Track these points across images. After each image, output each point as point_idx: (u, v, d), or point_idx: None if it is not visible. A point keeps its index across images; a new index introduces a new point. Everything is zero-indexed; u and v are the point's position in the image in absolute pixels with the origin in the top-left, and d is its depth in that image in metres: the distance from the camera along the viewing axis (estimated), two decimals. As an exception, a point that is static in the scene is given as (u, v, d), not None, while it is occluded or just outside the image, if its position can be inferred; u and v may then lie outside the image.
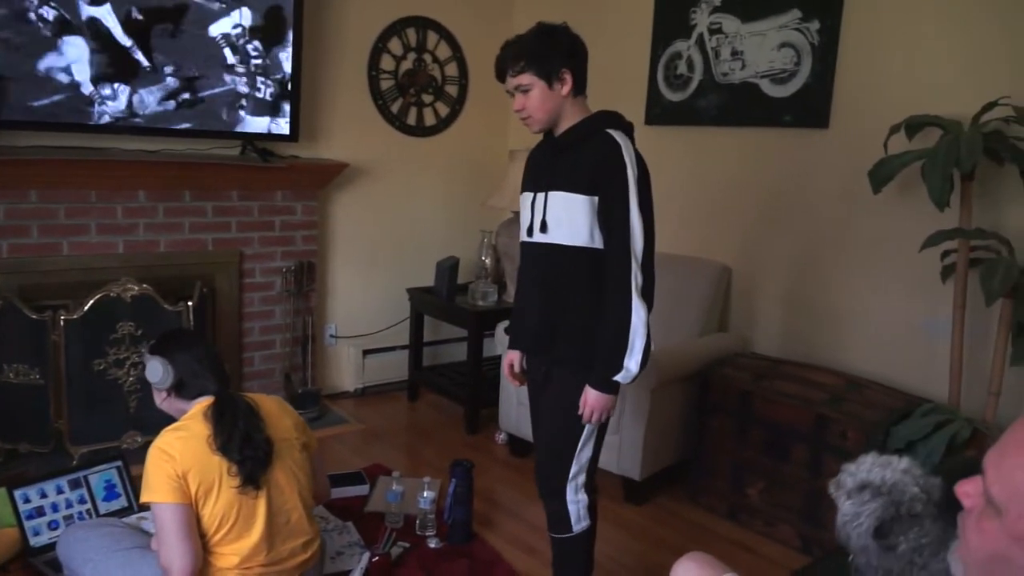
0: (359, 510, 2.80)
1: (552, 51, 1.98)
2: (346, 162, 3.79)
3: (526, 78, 1.99)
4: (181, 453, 1.90)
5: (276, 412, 2.10)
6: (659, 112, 3.70)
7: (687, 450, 3.13)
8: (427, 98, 4.21)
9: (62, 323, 2.98)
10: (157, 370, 2.03)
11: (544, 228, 2.03)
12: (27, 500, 2.48)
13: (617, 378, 1.96)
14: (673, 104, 3.64)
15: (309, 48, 3.62)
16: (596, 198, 1.93)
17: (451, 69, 4.28)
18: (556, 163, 2.03)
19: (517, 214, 3.27)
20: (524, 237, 2.13)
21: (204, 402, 2.01)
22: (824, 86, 3.09)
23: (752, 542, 2.83)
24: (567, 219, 1.98)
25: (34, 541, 2.44)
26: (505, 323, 3.17)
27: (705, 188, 3.55)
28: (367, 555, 2.44)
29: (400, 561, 2.49)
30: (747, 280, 3.43)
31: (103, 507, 2.60)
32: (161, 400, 2.09)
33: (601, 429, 2.11)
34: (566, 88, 1.99)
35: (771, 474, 2.80)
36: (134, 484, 2.67)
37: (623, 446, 2.94)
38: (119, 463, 2.69)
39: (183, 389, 2.06)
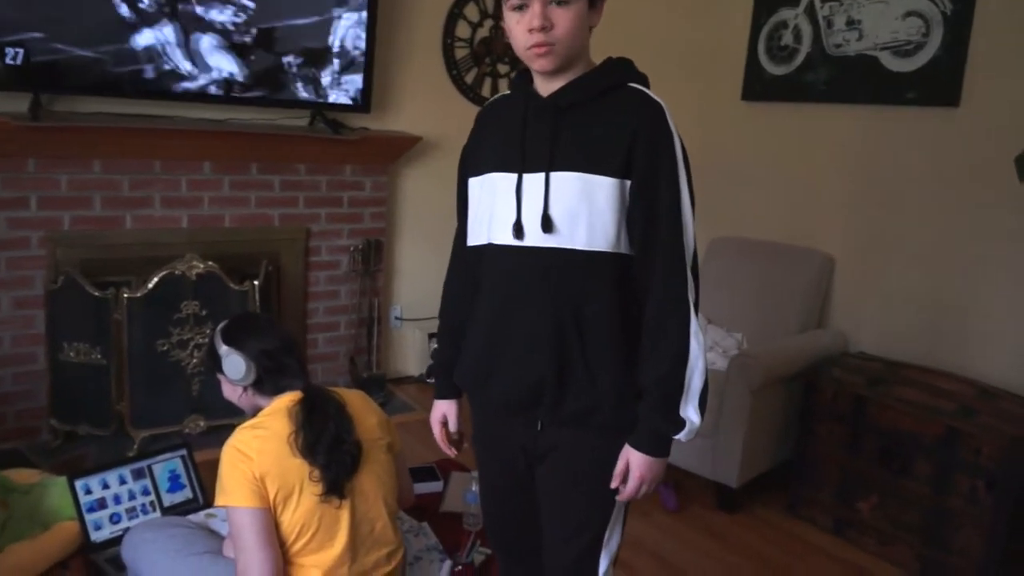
0: (434, 509, 2.61)
1: None
2: (419, 135, 3.57)
3: None
4: (259, 453, 1.71)
5: (362, 410, 1.90)
6: (760, 87, 3.41)
7: (784, 456, 2.88)
8: (503, 68, 3.97)
9: (125, 301, 2.83)
10: (238, 365, 1.82)
11: (549, 226, 1.40)
12: (88, 491, 2.33)
13: (679, 436, 1.42)
14: (776, 79, 3.35)
15: (383, 13, 3.39)
16: (628, 182, 1.37)
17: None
18: (557, 128, 1.41)
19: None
20: (499, 239, 1.47)
21: (288, 398, 1.81)
22: (956, 60, 2.77)
23: (863, 561, 2.57)
24: (587, 212, 1.38)
25: (95, 536, 2.29)
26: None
27: (810, 171, 3.26)
28: (448, 564, 2.25)
29: (484, 570, 2.29)
30: (853, 272, 3.14)
31: (167, 499, 2.44)
32: (237, 396, 1.89)
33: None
34: (597, 18, 1.41)
35: (888, 488, 2.54)
36: (199, 474, 2.52)
37: (719, 451, 2.70)
38: (183, 452, 2.53)
39: (263, 384, 1.86)
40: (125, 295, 2.84)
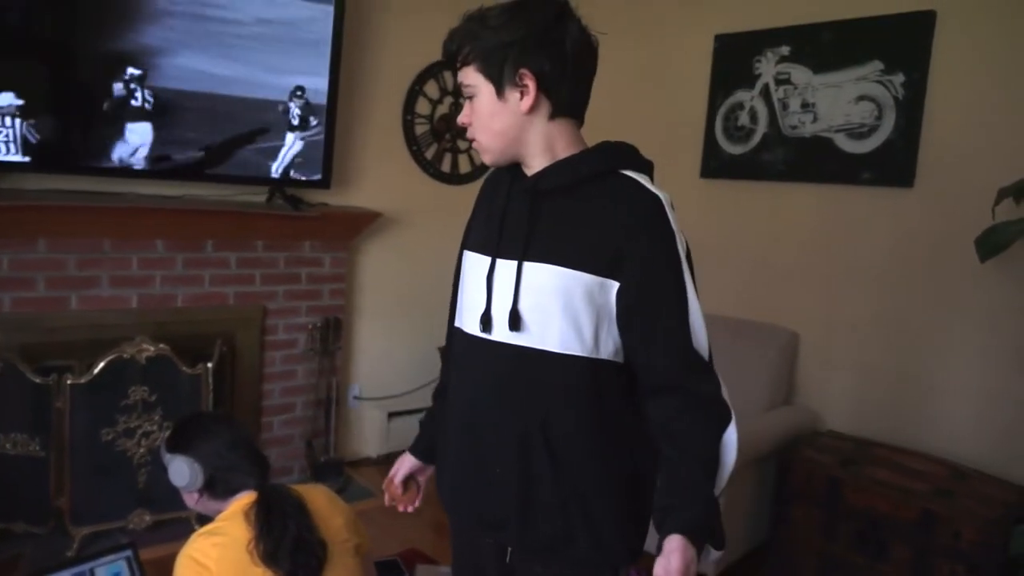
0: (399, 608, 2.47)
1: (507, 37, 1.23)
2: (379, 211, 3.52)
3: (470, 74, 1.27)
4: (217, 563, 1.58)
5: (326, 508, 1.78)
6: (717, 165, 3.46)
7: (758, 541, 2.82)
8: (462, 144, 3.97)
9: (68, 388, 2.67)
10: (183, 471, 1.71)
11: (516, 322, 1.26)
12: (24, 600, 2.15)
13: (714, 555, 1.33)
14: (733, 157, 3.40)
15: (343, 89, 3.36)
16: (613, 283, 1.23)
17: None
18: (536, 214, 1.28)
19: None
20: (468, 328, 1.36)
21: (243, 499, 1.70)
22: (909, 143, 2.85)
23: (843, 650, 2.51)
24: (561, 311, 1.24)
25: (30, 649, 2.10)
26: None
27: (770, 247, 3.29)
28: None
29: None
30: (817, 348, 3.15)
31: (111, 606, 2.26)
32: (194, 502, 1.78)
33: None
34: (526, 102, 1.24)
35: (867, 574, 2.48)
36: (146, 577, 2.34)
37: (695, 537, 2.62)
38: (129, 552, 2.35)
39: (216, 486, 1.74)
40: (68, 381, 2.68)
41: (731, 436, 1.26)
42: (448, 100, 3.88)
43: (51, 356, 2.79)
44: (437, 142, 3.88)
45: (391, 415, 3.75)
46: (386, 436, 3.73)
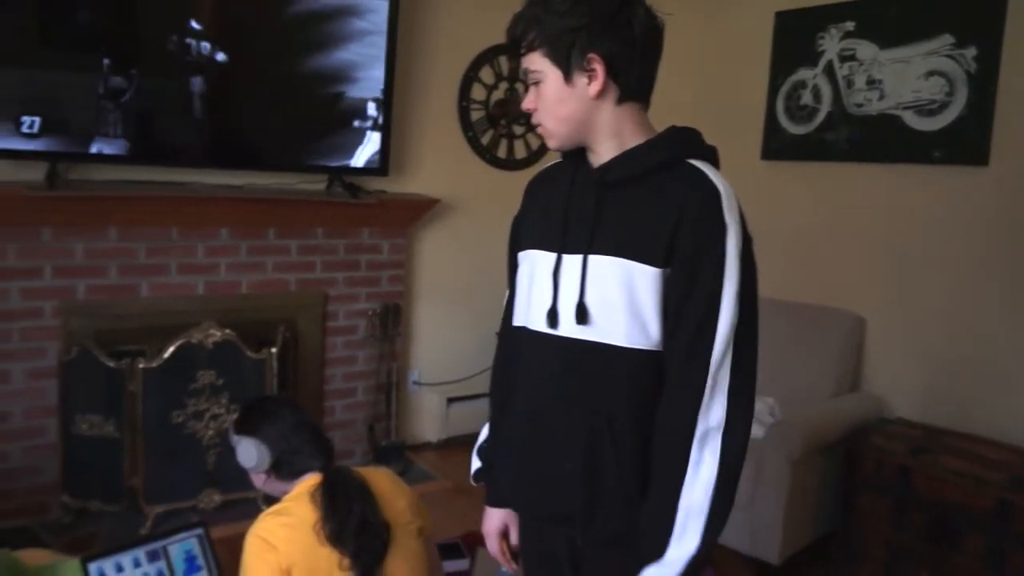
0: (460, 590, 2.50)
1: (574, 21, 1.21)
2: (437, 197, 3.54)
3: (535, 60, 1.25)
4: (285, 543, 1.62)
5: (390, 491, 1.81)
6: (778, 146, 3.38)
7: (825, 530, 2.76)
8: (518, 129, 3.96)
9: (140, 372, 2.76)
10: (250, 453, 1.75)
11: (583, 316, 1.25)
12: (102, 575, 2.23)
13: (648, 572, 1.21)
14: (795, 137, 3.32)
15: (399, 76, 3.38)
16: (668, 270, 1.21)
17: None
18: (601, 206, 1.27)
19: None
20: (534, 325, 1.34)
21: (309, 481, 1.73)
22: (983, 119, 2.74)
23: (912, 642, 2.45)
24: (626, 304, 1.22)
25: (109, 622, 2.18)
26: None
27: (833, 229, 3.21)
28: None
29: (515, 658, 2.17)
30: (884, 333, 3.06)
31: (183, 582, 2.33)
32: (261, 483, 1.82)
33: None
34: (594, 86, 1.23)
35: (938, 564, 2.42)
36: (216, 554, 2.41)
37: (758, 525, 2.59)
38: (200, 531, 2.42)
39: (282, 468, 1.78)
40: (140, 365, 2.76)
41: (704, 472, 1.19)
42: (503, 86, 3.87)
43: (123, 341, 2.89)
44: (493, 128, 3.88)
45: (450, 400, 3.77)
46: (445, 421, 3.76)
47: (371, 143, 3.29)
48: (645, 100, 1.31)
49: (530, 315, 1.36)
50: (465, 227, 3.81)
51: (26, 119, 2.63)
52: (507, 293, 1.50)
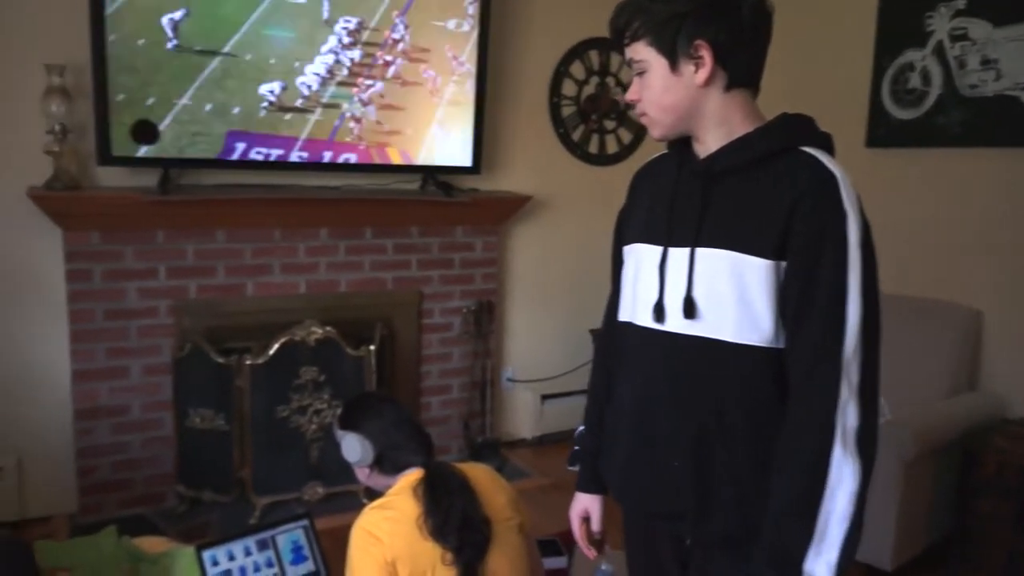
0: (559, 587, 2.49)
1: (680, 7, 1.18)
2: (528, 194, 3.54)
3: (640, 49, 1.23)
4: (390, 536, 1.65)
5: (489, 487, 1.82)
6: (885, 132, 3.22)
7: (939, 536, 2.63)
8: (609, 124, 3.92)
9: (247, 368, 2.87)
10: (354, 448, 1.79)
11: (691, 310, 1.22)
12: (215, 563, 2.32)
13: None
14: (903, 123, 3.16)
15: (490, 74, 3.40)
16: (783, 264, 1.17)
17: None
18: (708, 197, 1.24)
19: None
20: (640, 320, 1.32)
21: (411, 476, 1.76)
22: (1116, 96, 2.55)
23: (1039, 656, 2.30)
24: (736, 298, 1.19)
25: (222, 608, 2.27)
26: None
27: (946, 219, 3.04)
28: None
29: (616, 658, 2.15)
30: (1004, 328, 2.88)
31: (291, 571, 2.41)
32: (365, 477, 1.86)
33: None
34: (702, 74, 1.20)
35: (1068, 574, 2.27)
36: (321, 546, 2.48)
37: (869, 529, 2.46)
38: (306, 522, 2.50)
39: (384, 463, 1.81)
40: (247, 362, 2.87)
41: (838, 499, 1.12)
42: (594, 80, 3.84)
43: (231, 338, 3.01)
44: (584, 123, 3.85)
45: (544, 397, 3.78)
46: (540, 418, 3.77)
47: (464, 142, 3.32)
48: (754, 86, 1.27)
49: (636, 310, 1.34)
50: (557, 224, 3.80)
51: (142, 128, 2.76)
52: (611, 288, 1.49)
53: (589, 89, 3.84)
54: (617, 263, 1.47)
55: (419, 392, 3.43)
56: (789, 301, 1.17)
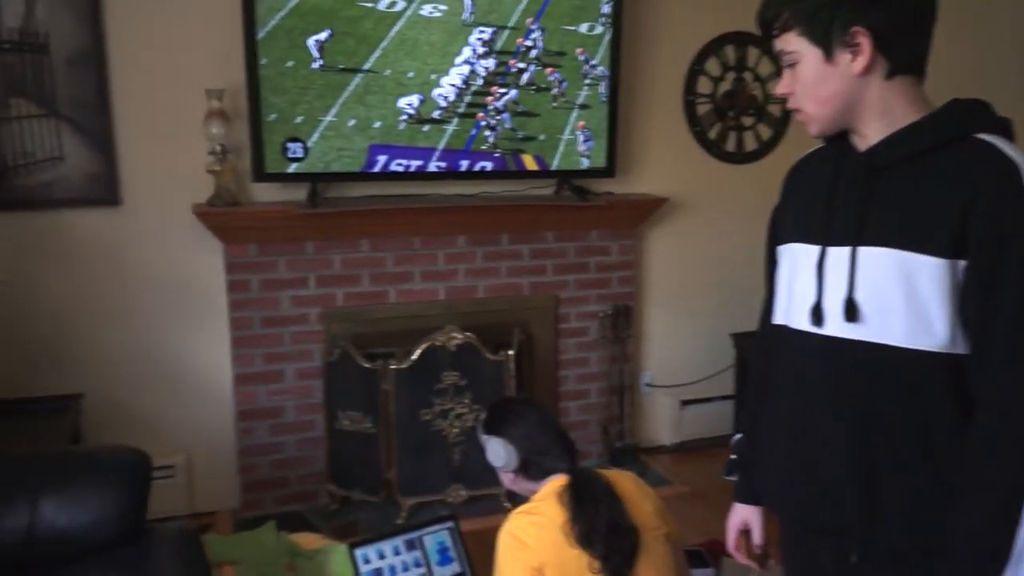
0: (705, 599, 2.42)
1: None
2: (665, 196, 3.48)
3: (791, 40, 1.17)
4: (536, 541, 1.65)
5: (636, 495, 1.79)
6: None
7: None
8: (747, 121, 3.79)
9: (392, 372, 2.96)
10: (499, 452, 1.81)
11: (853, 313, 1.15)
12: (367, 561, 2.41)
13: None
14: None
15: (624, 76, 3.36)
16: (961, 263, 1.08)
17: (774, 86, 3.81)
18: (870, 192, 1.16)
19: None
20: (796, 323, 1.26)
21: (556, 482, 1.76)
22: None
23: None
24: (905, 300, 1.11)
25: (374, 605, 2.35)
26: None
27: None
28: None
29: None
30: None
31: (437, 572, 2.46)
32: (509, 482, 1.88)
33: None
34: (860, 62, 1.12)
35: None
36: (467, 548, 2.52)
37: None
38: (451, 524, 2.56)
39: (529, 468, 1.82)
40: (392, 366, 2.97)
41: None
42: (731, 76, 3.72)
43: (376, 344, 3.11)
44: (720, 121, 3.74)
45: (684, 403, 3.69)
46: (680, 424, 3.69)
47: (594, 145, 3.30)
48: (919, 72, 1.18)
49: (791, 313, 1.28)
50: (694, 225, 3.70)
51: (291, 145, 2.92)
52: (765, 290, 1.43)
53: (725, 85, 3.72)
54: (771, 264, 1.41)
55: (557, 397, 3.44)
56: (971, 307, 1.09)
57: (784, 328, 1.31)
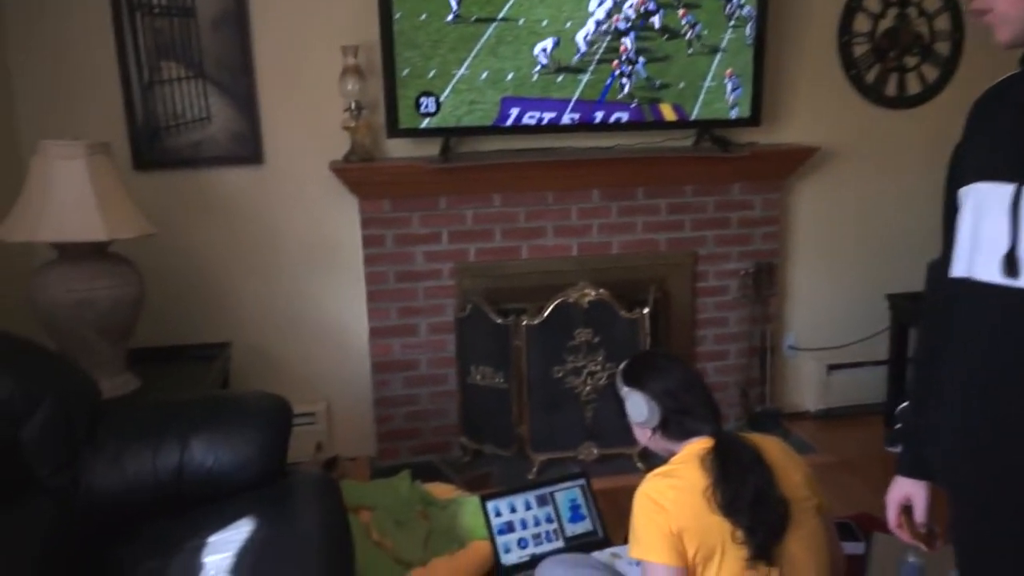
0: None
1: None
2: (815, 146, 3.23)
3: None
4: (675, 505, 1.56)
5: (783, 462, 1.67)
6: None
7: None
8: (910, 61, 3.45)
9: (523, 328, 2.93)
10: (640, 407, 1.72)
11: None
12: (498, 513, 2.41)
13: None
14: None
15: (772, 18, 3.12)
16: None
17: (941, 22, 3.44)
18: None
19: None
20: (982, 274, 1.13)
21: (697, 444, 1.66)
22: None
23: None
24: None
25: (505, 559, 2.35)
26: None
27: None
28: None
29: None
30: None
31: (569, 529, 2.44)
32: (646, 438, 1.79)
33: None
34: None
35: None
36: (599, 506, 2.48)
37: None
38: (583, 481, 2.52)
39: (670, 427, 1.73)
40: (523, 323, 2.94)
41: None
42: (892, 12, 3.39)
43: (508, 299, 3.09)
44: (880, 62, 3.42)
45: (831, 368, 3.47)
46: (825, 390, 3.48)
47: (742, 92, 3.10)
48: None
49: (975, 262, 1.13)
50: (847, 177, 3.43)
51: (424, 100, 2.90)
52: (942, 239, 1.27)
53: (886, 23, 3.40)
54: (950, 209, 1.25)
55: (694, 357, 3.30)
56: None
57: (966, 281, 1.16)
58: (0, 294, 2.54)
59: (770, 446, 1.69)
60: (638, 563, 1.61)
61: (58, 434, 1.78)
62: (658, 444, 1.77)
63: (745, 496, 1.54)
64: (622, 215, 3.17)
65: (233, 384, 2.94)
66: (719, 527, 1.54)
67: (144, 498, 1.79)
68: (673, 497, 1.57)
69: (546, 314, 2.94)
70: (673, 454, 1.72)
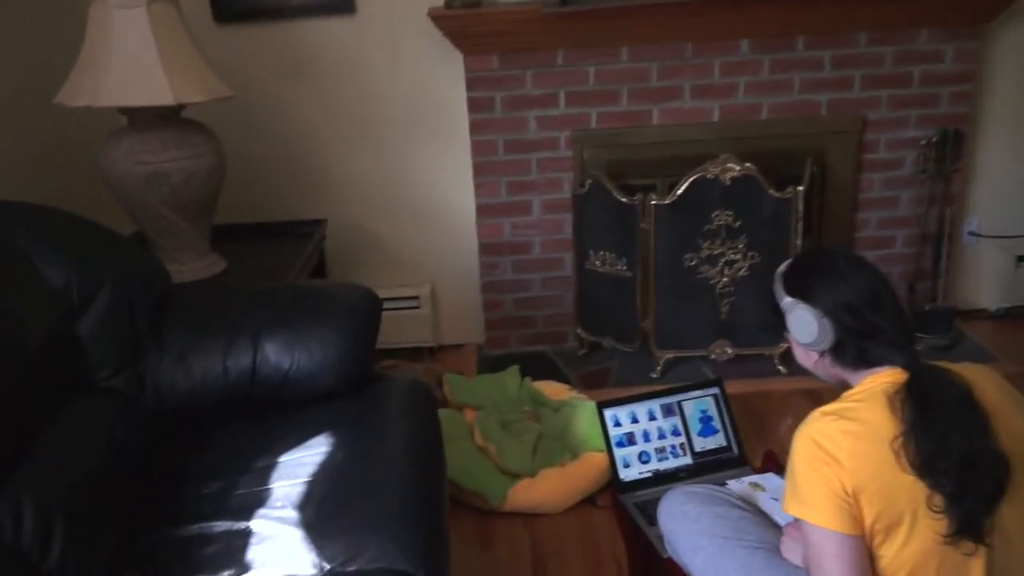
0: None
1: None
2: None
3: None
4: (851, 458, 1.19)
5: (1002, 404, 1.24)
6: None
7: None
8: None
9: (652, 208, 2.53)
10: (809, 326, 1.32)
11: None
12: (617, 424, 2.12)
13: None
14: None
15: None
16: None
17: None
18: None
19: None
20: None
21: (884, 376, 1.26)
22: None
23: None
24: None
25: (623, 474, 2.07)
26: None
27: None
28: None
29: None
30: None
31: (698, 443, 2.12)
32: (811, 362, 1.40)
33: None
34: None
35: None
36: (734, 419, 2.15)
37: None
38: (716, 390, 2.17)
39: (846, 352, 1.32)
40: (652, 202, 2.53)
41: None
42: None
43: (634, 174, 2.70)
44: None
45: (1020, 259, 2.91)
46: (1011, 285, 2.94)
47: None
48: None
49: None
50: (1070, 19, 2.73)
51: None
52: None
53: None
54: None
55: (852, 244, 2.81)
56: None
57: None
58: (81, 171, 2.36)
59: (984, 381, 1.27)
60: (796, 520, 1.27)
61: (120, 328, 1.59)
62: (828, 371, 1.38)
63: (950, 452, 1.16)
64: (775, 71, 2.64)
65: (329, 265, 2.74)
66: (910, 490, 1.17)
67: (212, 403, 1.59)
68: (849, 447, 1.20)
69: (679, 192, 2.51)
70: (848, 386, 1.33)
